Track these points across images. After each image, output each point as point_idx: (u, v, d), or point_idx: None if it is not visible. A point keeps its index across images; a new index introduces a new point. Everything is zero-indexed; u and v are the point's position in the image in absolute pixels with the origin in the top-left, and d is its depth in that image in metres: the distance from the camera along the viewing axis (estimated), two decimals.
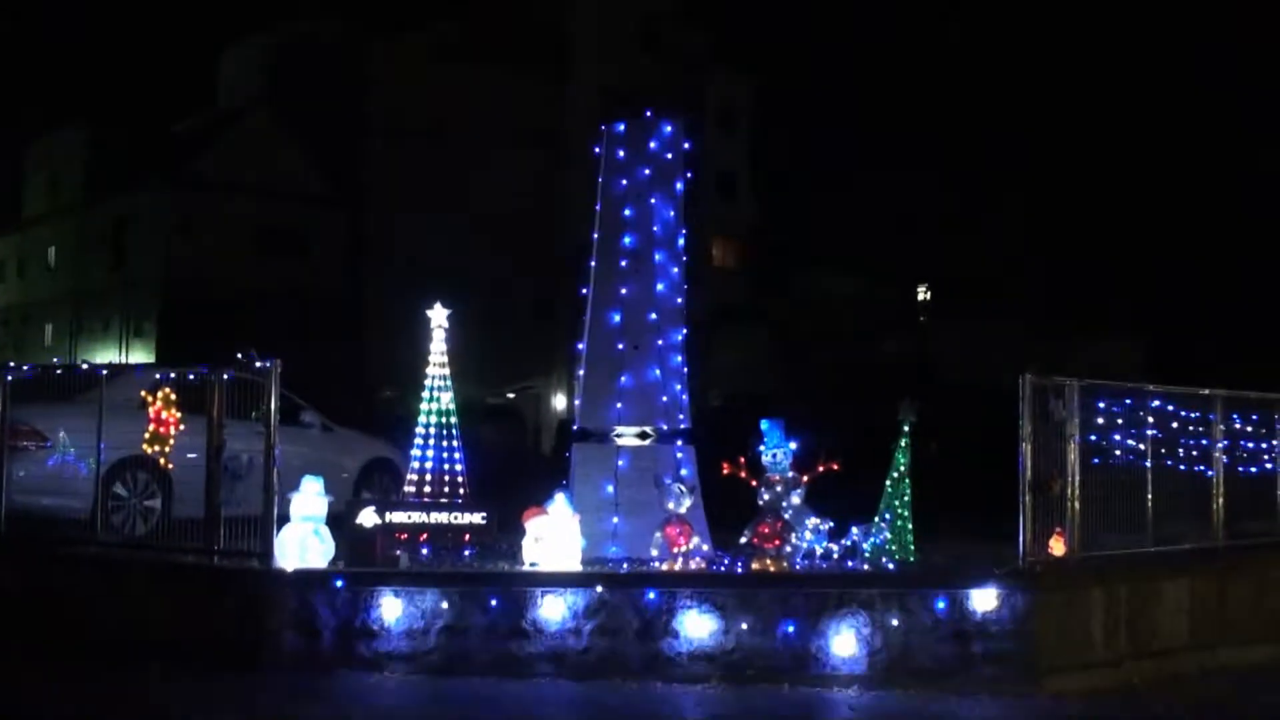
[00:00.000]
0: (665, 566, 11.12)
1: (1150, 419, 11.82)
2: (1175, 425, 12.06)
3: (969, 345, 43.14)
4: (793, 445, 11.62)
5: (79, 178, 52.15)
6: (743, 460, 11.56)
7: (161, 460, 11.10)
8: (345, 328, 46.33)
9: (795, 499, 11.61)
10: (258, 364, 10.55)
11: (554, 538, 10.84)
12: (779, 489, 11.43)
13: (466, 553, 11.60)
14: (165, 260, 46.62)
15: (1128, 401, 11.66)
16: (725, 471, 11.57)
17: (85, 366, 12.88)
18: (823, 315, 48.26)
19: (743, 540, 11.40)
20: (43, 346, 52.10)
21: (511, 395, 44.68)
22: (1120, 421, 11.58)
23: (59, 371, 12.86)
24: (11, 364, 12.41)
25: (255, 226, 47.12)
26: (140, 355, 45.92)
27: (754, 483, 11.47)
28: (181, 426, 10.95)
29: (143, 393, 11.28)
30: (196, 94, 56.13)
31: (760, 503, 11.39)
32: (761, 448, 11.61)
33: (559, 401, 47.47)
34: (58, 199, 53.77)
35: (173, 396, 10.99)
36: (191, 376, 10.89)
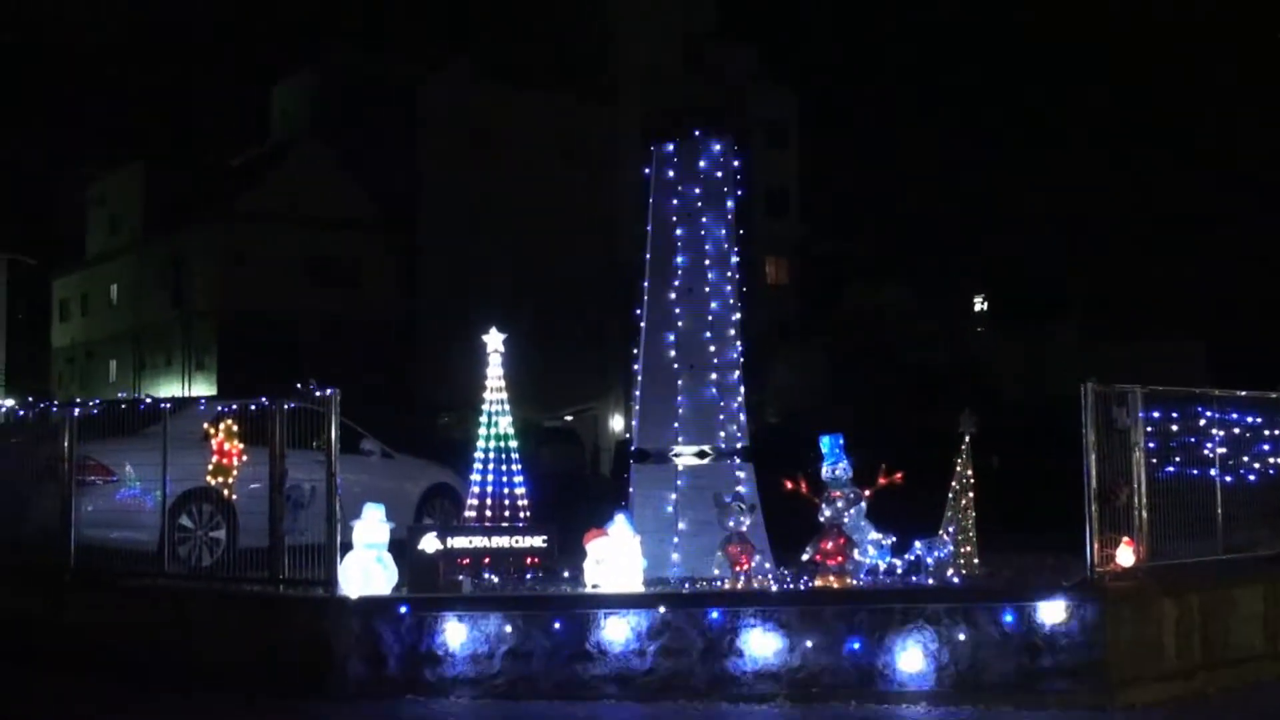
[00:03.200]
0: (728, 585, 11.08)
1: (1217, 424, 11.63)
2: (1242, 430, 11.86)
3: (1026, 354, 42.72)
4: (852, 460, 11.56)
5: (137, 216, 53.12)
6: (802, 477, 11.50)
7: (226, 491, 11.20)
8: (399, 353, 46.70)
9: (857, 515, 11.54)
10: (318, 394, 10.64)
11: (615, 559, 10.83)
12: (840, 504, 11.35)
13: (528, 576, 11.61)
14: (222, 293, 47.27)
15: (1197, 408, 11.47)
16: (786, 488, 11.51)
17: (149, 401, 13.04)
18: (877, 329, 48.01)
19: (805, 557, 11.33)
20: (107, 382, 52.98)
21: (569, 418, 44.78)
22: (1186, 427, 11.40)
23: (123, 406, 13.02)
24: (77, 400, 12.60)
25: (309, 256, 47.69)
26: (202, 388, 46.54)
27: (815, 499, 11.40)
28: (244, 457, 11.05)
29: (205, 425, 11.40)
30: (249, 128, 56.92)
31: (821, 519, 11.32)
32: (822, 463, 11.56)
33: (617, 423, 47.55)
34: (118, 237, 54.77)
35: (235, 428, 11.10)
36: (253, 408, 10.99)
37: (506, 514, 12.10)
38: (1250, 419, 11.97)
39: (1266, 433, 12.03)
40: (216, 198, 48.75)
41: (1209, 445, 11.63)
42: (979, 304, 49.53)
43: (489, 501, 12.13)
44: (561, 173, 48.67)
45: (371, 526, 10.49)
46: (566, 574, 11.64)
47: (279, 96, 56.67)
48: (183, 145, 56.31)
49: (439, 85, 49.55)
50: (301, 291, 46.67)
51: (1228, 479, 11.70)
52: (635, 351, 13.01)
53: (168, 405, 12.06)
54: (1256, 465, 11.95)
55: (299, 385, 10.72)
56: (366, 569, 10.40)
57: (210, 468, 11.11)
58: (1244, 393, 12.09)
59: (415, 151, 49.43)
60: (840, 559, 11.10)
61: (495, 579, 11.35)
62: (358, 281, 48.81)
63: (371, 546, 10.46)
